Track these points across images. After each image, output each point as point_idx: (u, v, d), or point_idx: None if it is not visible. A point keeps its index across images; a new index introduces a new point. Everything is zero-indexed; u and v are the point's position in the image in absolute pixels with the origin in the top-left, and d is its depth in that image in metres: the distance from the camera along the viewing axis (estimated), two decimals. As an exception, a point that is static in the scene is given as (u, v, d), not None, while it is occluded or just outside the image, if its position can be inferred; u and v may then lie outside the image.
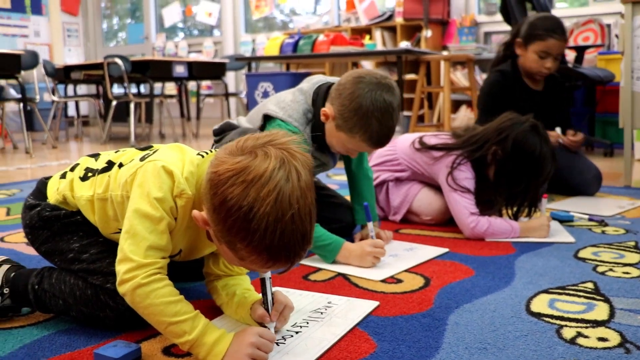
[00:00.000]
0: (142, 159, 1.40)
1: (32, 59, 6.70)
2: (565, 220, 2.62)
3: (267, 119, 2.12)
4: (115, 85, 7.20)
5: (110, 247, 1.50)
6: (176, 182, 1.32)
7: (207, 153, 1.43)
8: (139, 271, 1.27)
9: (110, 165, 1.51)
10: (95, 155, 1.60)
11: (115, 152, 1.56)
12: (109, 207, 1.47)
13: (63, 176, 1.59)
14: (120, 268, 1.29)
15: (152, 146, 1.52)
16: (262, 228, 1.15)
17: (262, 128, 2.13)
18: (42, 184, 1.62)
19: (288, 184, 1.17)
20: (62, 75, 7.59)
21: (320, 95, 2.09)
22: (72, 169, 1.59)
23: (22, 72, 5.90)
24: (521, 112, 2.48)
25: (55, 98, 7.31)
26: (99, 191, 1.48)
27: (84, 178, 1.53)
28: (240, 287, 1.55)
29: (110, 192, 1.46)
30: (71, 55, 10.01)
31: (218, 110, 8.94)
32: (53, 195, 1.56)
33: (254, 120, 2.18)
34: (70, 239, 1.52)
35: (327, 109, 2.02)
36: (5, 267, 1.58)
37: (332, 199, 2.43)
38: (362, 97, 1.93)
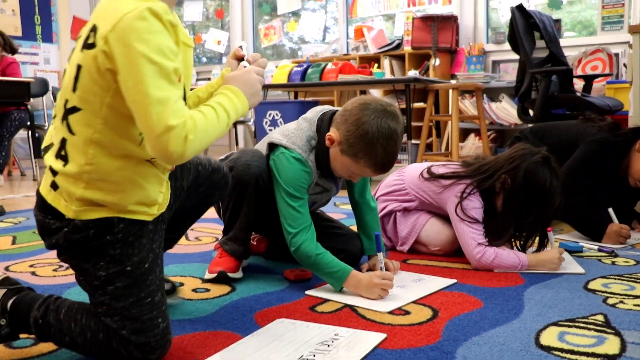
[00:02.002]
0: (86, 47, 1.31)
1: (41, 86, 6.74)
2: (574, 250, 2.59)
3: (272, 148, 2.14)
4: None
5: (136, 281, 1.42)
6: (161, 11, 1.27)
7: None
8: (182, 129, 1.27)
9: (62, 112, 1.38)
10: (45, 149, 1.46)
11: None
12: (107, 132, 1.36)
13: (54, 186, 1.41)
14: (165, 139, 1.26)
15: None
16: None
17: (268, 157, 2.14)
18: (43, 201, 1.44)
19: None
20: (71, 102, 7.61)
21: (325, 122, 2.11)
22: (53, 173, 1.41)
23: (31, 99, 5.91)
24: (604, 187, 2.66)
25: (64, 125, 7.33)
26: (88, 133, 1.35)
27: (65, 163, 1.38)
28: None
29: (94, 112, 1.34)
30: (81, 83, 10.04)
31: (226, 138, 8.94)
32: (69, 210, 1.39)
33: (261, 150, 2.18)
34: (97, 262, 1.41)
35: (333, 133, 2.03)
36: (1, 291, 1.48)
37: (337, 229, 2.43)
38: (368, 123, 1.94)
